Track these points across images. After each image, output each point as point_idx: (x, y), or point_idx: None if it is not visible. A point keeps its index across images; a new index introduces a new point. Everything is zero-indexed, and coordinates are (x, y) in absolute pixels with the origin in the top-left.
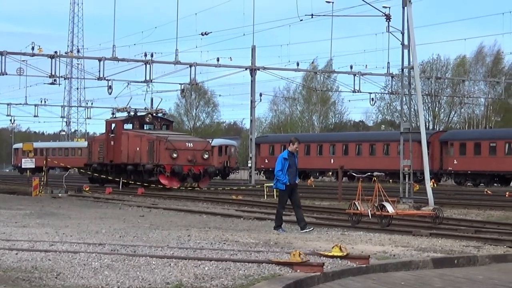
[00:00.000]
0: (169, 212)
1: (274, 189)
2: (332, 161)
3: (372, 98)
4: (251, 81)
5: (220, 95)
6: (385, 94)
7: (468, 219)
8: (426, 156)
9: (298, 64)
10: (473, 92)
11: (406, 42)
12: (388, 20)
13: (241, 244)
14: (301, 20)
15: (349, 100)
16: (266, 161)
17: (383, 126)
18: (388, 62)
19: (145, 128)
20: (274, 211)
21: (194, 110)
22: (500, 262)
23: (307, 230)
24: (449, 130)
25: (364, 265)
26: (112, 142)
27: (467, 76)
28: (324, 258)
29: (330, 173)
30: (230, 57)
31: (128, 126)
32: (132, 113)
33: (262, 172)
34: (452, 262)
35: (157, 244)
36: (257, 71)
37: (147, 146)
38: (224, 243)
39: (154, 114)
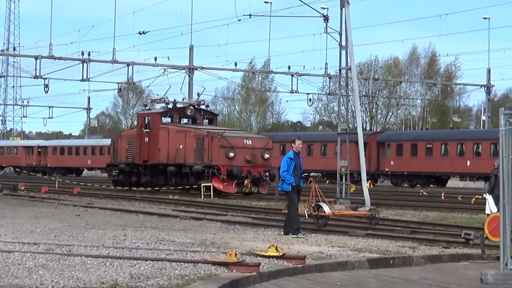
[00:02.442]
0: (105, 211)
1: (209, 189)
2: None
3: (310, 99)
4: (189, 81)
5: (157, 95)
6: (322, 95)
7: (404, 220)
8: (363, 157)
9: (236, 64)
10: (410, 93)
11: (343, 43)
12: (326, 21)
13: (177, 244)
14: (239, 20)
15: (287, 101)
16: None
17: (321, 126)
18: (326, 63)
19: (182, 122)
20: (211, 211)
21: (132, 109)
22: (435, 263)
23: (296, 236)
24: (386, 131)
25: (300, 265)
26: (146, 139)
27: (403, 77)
28: (260, 258)
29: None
30: (168, 57)
31: (167, 119)
32: (170, 105)
33: None
34: (387, 262)
35: (93, 243)
36: (195, 70)
37: (195, 144)
38: (160, 243)
39: (196, 106)
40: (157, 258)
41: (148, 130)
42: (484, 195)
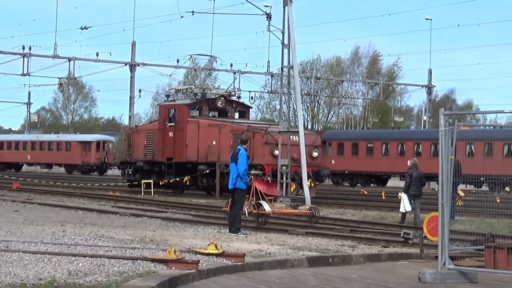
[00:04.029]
0: (44, 207)
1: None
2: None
3: (252, 97)
4: (131, 77)
5: (99, 90)
6: (264, 93)
7: (344, 219)
8: (303, 155)
9: (178, 61)
10: (352, 93)
11: (286, 42)
12: (268, 19)
13: (117, 241)
14: (182, 17)
15: None
16: None
17: None
18: (268, 61)
19: (210, 115)
20: (151, 208)
21: (72, 104)
22: (374, 262)
23: (238, 234)
24: (328, 130)
25: (240, 263)
26: (170, 134)
27: (345, 77)
28: (199, 255)
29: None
30: (110, 52)
31: (195, 112)
32: (198, 96)
33: None
34: (327, 261)
35: (31, 239)
36: (137, 67)
37: (232, 140)
38: (99, 239)
39: (228, 97)
40: (95, 255)
41: (173, 124)
42: (399, 194)
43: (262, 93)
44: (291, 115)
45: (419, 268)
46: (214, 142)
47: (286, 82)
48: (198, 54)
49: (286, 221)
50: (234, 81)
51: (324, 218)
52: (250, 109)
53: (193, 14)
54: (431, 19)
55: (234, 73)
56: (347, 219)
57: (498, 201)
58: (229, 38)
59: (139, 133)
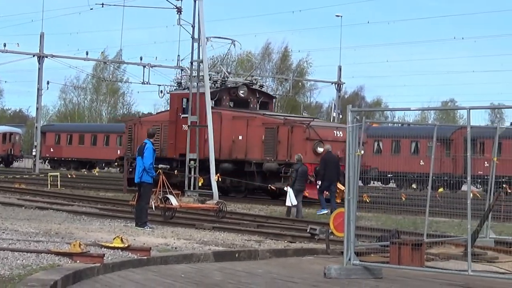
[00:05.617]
0: None
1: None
2: (119, 152)
3: (161, 91)
4: (39, 68)
5: (6, 81)
6: (174, 87)
7: (252, 214)
8: (212, 149)
9: (87, 53)
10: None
11: (196, 36)
12: (179, 13)
13: (21, 234)
14: (92, 9)
15: (138, 92)
16: (52, 150)
17: None
18: (179, 55)
19: (230, 105)
20: (57, 201)
21: None
22: (280, 257)
23: (145, 228)
24: None
25: (145, 257)
26: (185, 127)
27: (255, 72)
28: (105, 249)
29: (116, 163)
30: (17, 43)
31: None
32: (217, 83)
33: (47, 161)
34: (233, 255)
35: None
36: (45, 58)
37: (264, 134)
38: (3, 232)
39: (251, 86)
40: None
41: (188, 115)
42: (285, 188)
43: (172, 87)
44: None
45: (325, 263)
46: (240, 137)
47: (196, 76)
48: (217, 37)
49: (193, 215)
50: (254, 69)
51: (232, 213)
52: (274, 100)
53: (102, 6)
54: (341, 16)
55: (144, 66)
56: (255, 214)
57: (404, 198)
58: (139, 31)
59: (143, 125)
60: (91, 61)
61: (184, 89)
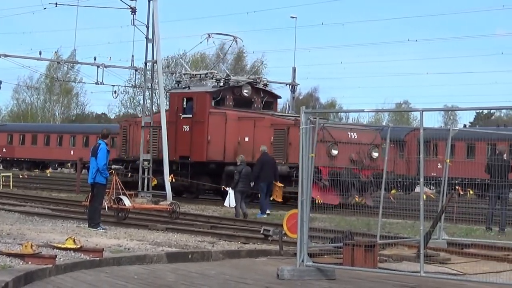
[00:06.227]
0: None
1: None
2: (72, 152)
3: (115, 91)
4: None
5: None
6: (128, 88)
7: (205, 215)
8: (166, 150)
9: (40, 53)
10: None
11: (150, 36)
12: (133, 13)
13: None
14: (45, 9)
15: (92, 92)
16: (4, 150)
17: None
18: (133, 56)
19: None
20: (9, 201)
21: None
22: (233, 258)
23: (97, 229)
24: None
25: (98, 258)
26: (186, 128)
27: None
28: (57, 250)
29: (69, 164)
30: None
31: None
32: (221, 82)
33: None
34: (186, 257)
35: None
36: None
37: (273, 136)
38: None
39: (255, 85)
40: None
41: (189, 115)
42: (227, 189)
43: (126, 87)
44: (154, 110)
45: (278, 264)
46: (247, 139)
47: (150, 77)
48: (218, 33)
49: (146, 216)
50: (261, 64)
51: (185, 214)
52: (279, 99)
53: (56, 6)
54: (296, 17)
55: (98, 66)
56: (208, 215)
57: (356, 199)
58: (93, 31)
59: (139, 126)
60: (44, 61)
61: (184, 88)
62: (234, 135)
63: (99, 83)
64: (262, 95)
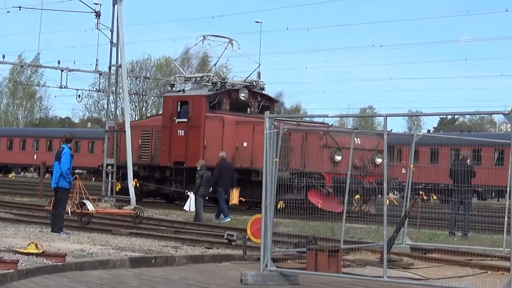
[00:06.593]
0: None
1: None
2: (35, 156)
3: (79, 95)
4: None
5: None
6: (93, 92)
7: (169, 220)
8: (130, 155)
9: (4, 57)
10: None
11: (115, 40)
12: (98, 17)
13: None
14: (8, 12)
15: (56, 96)
16: None
17: (89, 123)
18: (97, 60)
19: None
20: None
21: None
22: (197, 263)
23: (60, 234)
24: None
25: (60, 263)
26: (181, 132)
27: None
28: (19, 255)
29: (32, 168)
30: None
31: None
32: (217, 85)
33: None
34: (149, 261)
35: None
36: None
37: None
38: None
39: (252, 89)
40: None
41: (184, 119)
42: (188, 193)
43: (90, 91)
44: (119, 114)
45: (242, 269)
46: (245, 144)
47: (114, 81)
48: (214, 35)
49: (110, 221)
50: (258, 67)
51: (149, 218)
52: (276, 104)
53: (20, 9)
54: (261, 22)
55: (62, 70)
56: (172, 220)
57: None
58: (57, 35)
59: (131, 130)
60: (7, 64)
61: (179, 91)
62: (232, 140)
63: (63, 87)
64: (259, 99)
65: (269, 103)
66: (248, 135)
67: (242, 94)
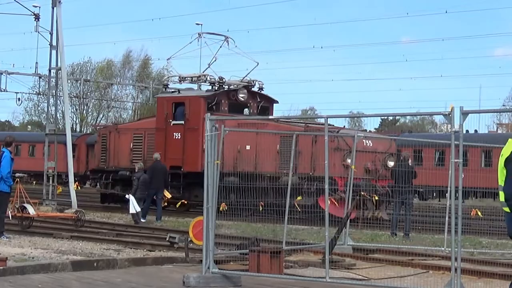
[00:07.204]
0: None
1: None
2: None
3: (19, 98)
4: None
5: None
6: (33, 95)
7: (111, 223)
8: (70, 158)
9: None
10: (122, 96)
11: (54, 43)
12: (37, 20)
13: None
14: None
15: None
16: None
17: (30, 127)
18: (37, 62)
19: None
20: None
21: None
22: (139, 265)
23: (1, 238)
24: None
25: (1, 267)
26: (177, 135)
27: (115, 80)
28: None
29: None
30: None
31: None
32: (215, 86)
33: None
34: (91, 265)
35: None
36: None
37: (279, 144)
38: None
39: (251, 89)
40: None
41: (181, 122)
42: (127, 196)
43: (30, 94)
44: (59, 117)
45: (184, 272)
46: (248, 147)
47: (54, 84)
48: (210, 33)
49: (51, 224)
50: (256, 66)
51: (91, 221)
52: (275, 104)
53: None
54: (201, 24)
55: (1, 73)
56: (114, 223)
57: (261, 207)
58: None
59: (121, 133)
60: None
61: (173, 92)
62: (234, 143)
63: (2, 90)
64: (258, 100)
65: (268, 103)
66: (252, 138)
67: (241, 95)
